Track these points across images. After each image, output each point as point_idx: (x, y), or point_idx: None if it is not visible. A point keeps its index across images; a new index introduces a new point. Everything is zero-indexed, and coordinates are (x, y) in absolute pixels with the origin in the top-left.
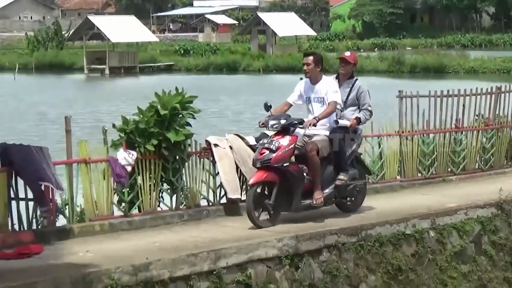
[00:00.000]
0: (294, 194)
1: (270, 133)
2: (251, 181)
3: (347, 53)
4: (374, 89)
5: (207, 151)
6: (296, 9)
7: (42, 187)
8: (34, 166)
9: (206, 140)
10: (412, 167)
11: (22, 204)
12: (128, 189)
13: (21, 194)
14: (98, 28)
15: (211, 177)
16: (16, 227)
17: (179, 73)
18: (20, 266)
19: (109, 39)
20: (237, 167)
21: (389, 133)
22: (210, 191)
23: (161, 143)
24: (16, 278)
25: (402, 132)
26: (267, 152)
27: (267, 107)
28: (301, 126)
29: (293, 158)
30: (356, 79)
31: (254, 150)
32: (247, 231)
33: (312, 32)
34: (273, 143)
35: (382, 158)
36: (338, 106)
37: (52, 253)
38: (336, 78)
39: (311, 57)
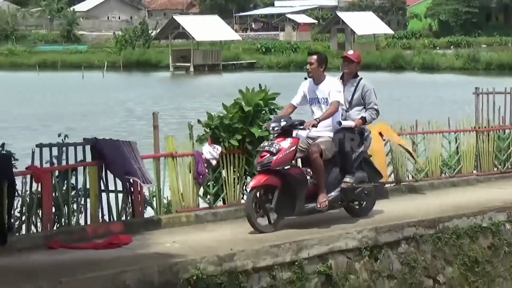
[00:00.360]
0: (297, 197)
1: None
2: (250, 185)
3: (350, 52)
4: (450, 86)
5: None
6: (374, 8)
7: (131, 180)
8: (122, 160)
9: None
10: (488, 162)
11: (112, 196)
12: (213, 182)
13: (111, 187)
14: (183, 28)
15: None
16: (106, 218)
17: (260, 70)
18: (110, 255)
19: (193, 38)
20: None
21: (466, 128)
22: None
23: (245, 138)
24: (107, 267)
25: (479, 128)
26: (268, 155)
27: (273, 111)
28: (301, 127)
29: (299, 161)
30: (361, 78)
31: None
32: (328, 223)
33: (389, 31)
34: (274, 145)
35: (458, 153)
36: (343, 107)
37: (140, 243)
38: (340, 78)
39: (314, 57)
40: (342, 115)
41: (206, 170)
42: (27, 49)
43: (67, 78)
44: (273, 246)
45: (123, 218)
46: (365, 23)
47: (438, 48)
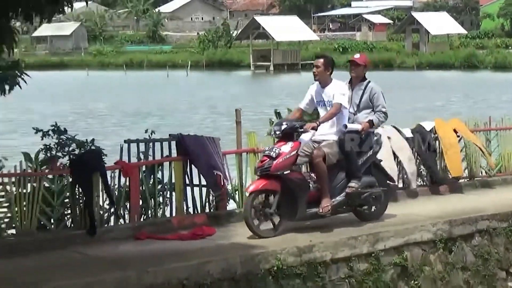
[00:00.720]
0: (298, 202)
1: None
2: (249, 190)
3: (357, 56)
4: None
5: None
6: (447, 8)
7: (215, 173)
8: (207, 156)
9: None
10: None
11: (196, 189)
12: None
13: (195, 181)
14: (263, 28)
15: None
16: (191, 210)
17: (338, 69)
18: (194, 246)
19: (273, 38)
20: (395, 156)
21: None
22: None
23: None
24: (192, 257)
25: None
26: (268, 160)
27: (278, 115)
28: (301, 129)
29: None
30: (369, 81)
31: (408, 142)
32: (403, 216)
33: (463, 31)
34: (274, 150)
35: None
36: (350, 109)
37: (223, 234)
38: (349, 82)
39: (321, 60)
40: (349, 119)
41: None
42: (114, 49)
43: (153, 76)
44: (351, 238)
45: (207, 210)
46: (439, 23)
47: (510, 48)
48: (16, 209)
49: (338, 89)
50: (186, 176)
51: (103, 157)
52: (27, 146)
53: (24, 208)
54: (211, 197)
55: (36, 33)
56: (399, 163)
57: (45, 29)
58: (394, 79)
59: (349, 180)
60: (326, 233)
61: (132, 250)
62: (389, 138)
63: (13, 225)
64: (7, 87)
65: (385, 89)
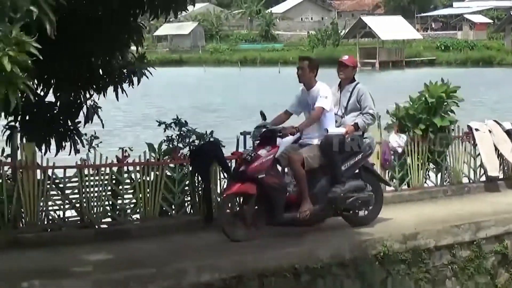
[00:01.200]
0: (275, 206)
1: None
2: (225, 193)
3: (345, 57)
4: None
5: (469, 135)
6: None
7: None
8: None
9: (468, 126)
10: None
11: None
12: (398, 168)
13: None
14: (369, 27)
15: (471, 158)
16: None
17: (440, 66)
18: (306, 232)
19: (379, 37)
20: (496, 149)
21: None
22: (471, 170)
23: (428, 127)
24: (304, 243)
25: None
26: (245, 163)
27: (263, 116)
28: (280, 134)
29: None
30: (357, 83)
31: (509, 135)
32: (505, 205)
33: None
34: (251, 153)
35: None
36: (339, 112)
37: (332, 222)
38: (338, 85)
39: (306, 62)
40: (336, 122)
41: (392, 157)
42: (229, 47)
43: (265, 72)
44: (454, 226)
45: None
46: None
47: None
48: (140, 195)
49: (321, 92)
50: None
51: (221, 147)
52: (150, 138)
53: (148, 195)
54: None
55: (157, 32)
56: (500, 156)
57: (165, 29)
58: (494, 76)
59: (332, 185)
60: (430, 221)
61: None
62: (490, 131)
63: (137, 211)
64: (135, 79)
65: (485, 85)
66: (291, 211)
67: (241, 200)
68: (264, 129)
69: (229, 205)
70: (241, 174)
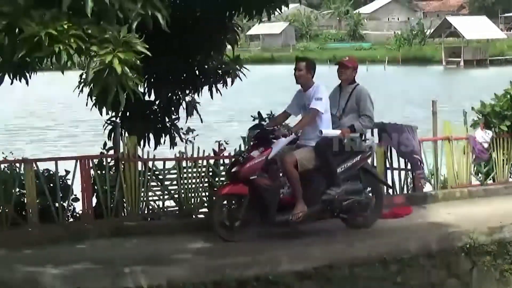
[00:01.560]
0: (267, 208)
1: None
2: (218, 193)
3: (346, 58)
4: None
5: None
6: None
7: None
8: (407, 142)
9: None
10: None
11: (395, 173)
12: (484, 163)
13: (395, 164)
14: (454, 27)
15: None
16: (390, 191)
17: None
18: (394, 224)
19: (463, 36)
20: None
21: None
22: None
23: None
24: (392, 235)
25: None
26: (238, 164)
27: (260, 116)
28: (272, 136)
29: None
30: (357, 84)
31: None
32: None
33: None
34: (244, 155)
35: None
36: (338, 113)
37: (420, 214)
38: (338, 86)
39: (303, 63)
40: (334, 123)
41: (484, 149)
42: (319, 46)
43: None
44: None
45: (404, 192)
46: None
47: None
48: None
49: (315, 93)
50: (386, 160)
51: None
52: (245, 132)
53: None
54: (409, 180)
55: (250, 32)
56: None
57: (257, 28)
58: None
59: (328, 187)
60: None
61: (341, 225)
62: None
63: None
64: (229, 80)
65: None
66: (284, 212)
67: (234, 200)
68: (257, 131)
69: (222, 205)
70: (233, 175)
